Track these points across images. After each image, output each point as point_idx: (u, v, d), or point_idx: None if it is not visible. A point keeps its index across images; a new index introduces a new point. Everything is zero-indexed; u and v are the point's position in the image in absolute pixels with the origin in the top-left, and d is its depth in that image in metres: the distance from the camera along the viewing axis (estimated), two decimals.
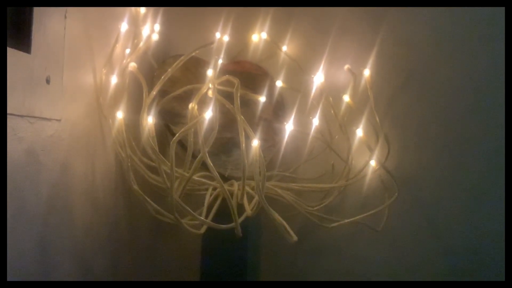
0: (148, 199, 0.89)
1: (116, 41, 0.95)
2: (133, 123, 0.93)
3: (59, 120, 0.80)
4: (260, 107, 1.13)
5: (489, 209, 1.11)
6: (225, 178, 1.01)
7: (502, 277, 1.05)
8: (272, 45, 1.17)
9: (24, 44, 0.71)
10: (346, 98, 1.05)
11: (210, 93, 0.88)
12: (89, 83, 0.90)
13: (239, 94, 0.85)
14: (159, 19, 1.03)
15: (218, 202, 0.95)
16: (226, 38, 1.11)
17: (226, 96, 0.90)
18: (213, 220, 0.91)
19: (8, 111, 0.67)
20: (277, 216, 0.88)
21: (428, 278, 1.14)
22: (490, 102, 1.12)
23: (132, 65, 0.92)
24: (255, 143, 0.82)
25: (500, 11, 1.08)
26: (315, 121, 1.07)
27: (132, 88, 0.97)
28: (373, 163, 1.03)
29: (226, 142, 1.08)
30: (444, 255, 1.14)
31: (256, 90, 1.14)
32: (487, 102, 1.12)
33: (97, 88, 0.92)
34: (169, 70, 0.94)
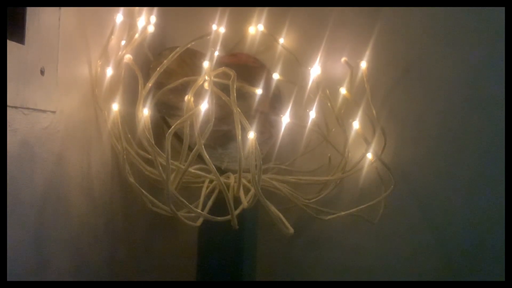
0: (144, 192, 0.88)
1: (112, 33, 0.94)
2: (129, 115, 0.93)
3: (54, 112, 0.79)
4: (256, 99, 1.13)
5: (486, 203, 1.12)
6: (222, 171, 1.01)
7: (498, 270, 1.06)
8: (269, 38, 1.16)
9: (18, 34, 0.70)
10: (343, 90, 1.04)
11: (206, 85, 0.87)
12: (84, 75, 0.89)
13: (235, 87, 0.84)
14: (155, 11, 1.03)
15: (214, 194, 0.95)
16: (222, 30, 1.11)
17: (222, 88, 0.90)
18: (210, 212, 0.90)
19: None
20: (273, 209, 0.88)
21: (423, 271, 1.14)
22: (488, 95, 1.12)
23: (128, 57, 0.92)
24: (252, 135, 0.81)
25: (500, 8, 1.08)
26: (312, 114, 1.07)
27: (127, 80, 0.96)
28: (369, 155, 1.03)
29: (222, 134, 1.07)
30: (440, 248, 1.14)
31: (253, 82, 1.14)
32: (484, 95, 1.12)
33: (92, 79, 0.91)
34: (165, 62, 0.93)
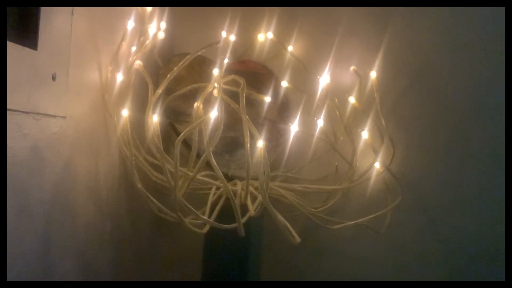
0: (152, 198, 0.89)
1: (122, 39, 0.95)
2: (138, 121, 0.93)
3: (64, 117, 0.79)
4: (265, 107, 1.13)
5: (493, 213, 1.11)
6: (228, 178, 1.01)
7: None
8: (278, 45, 1.17)
9: (31, 40, 0.71)
10: (352, 99, 1.04)
11: (215, 92, 0.87)
12: (95, 81, 0.90)
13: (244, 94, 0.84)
14: (165, 17, 1.03)
15: (221, 201, 0.95)
16: (232, 38, 1.11)
17: (230, 95, 0.90)
18: (216, 219, 0.90)
19: (13, 107, 0.67)
20: (280, 217, 0.88)
21: (429, 281, 1.14)
22: (496, 104, 1.11)
23: (138, 63, 0.92)
24: (260, 143, 0.81)
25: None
26: (320, 122, 1.07)
27: (137, 86, 0.97)
28: (377, 165, 1.03)
29: (230, 141, 1.07)
30: (446, 258, 1.14)
31: (261, 90, 1.14)
32: (492, 105, 1.12)
33: (102, 85, 0.92)
34: (175, 68, 0.93)
